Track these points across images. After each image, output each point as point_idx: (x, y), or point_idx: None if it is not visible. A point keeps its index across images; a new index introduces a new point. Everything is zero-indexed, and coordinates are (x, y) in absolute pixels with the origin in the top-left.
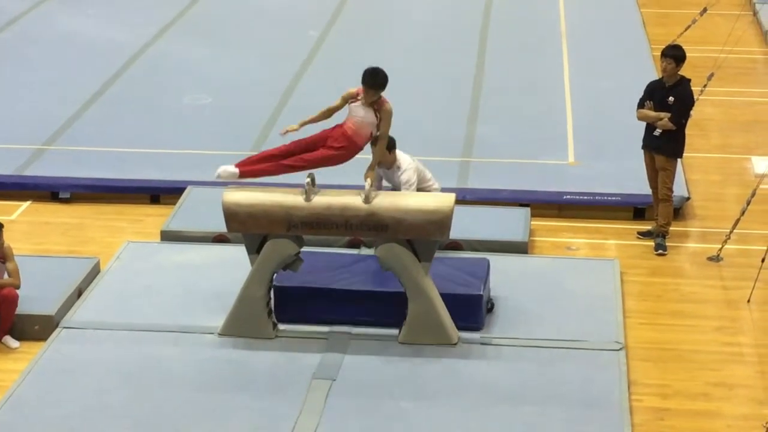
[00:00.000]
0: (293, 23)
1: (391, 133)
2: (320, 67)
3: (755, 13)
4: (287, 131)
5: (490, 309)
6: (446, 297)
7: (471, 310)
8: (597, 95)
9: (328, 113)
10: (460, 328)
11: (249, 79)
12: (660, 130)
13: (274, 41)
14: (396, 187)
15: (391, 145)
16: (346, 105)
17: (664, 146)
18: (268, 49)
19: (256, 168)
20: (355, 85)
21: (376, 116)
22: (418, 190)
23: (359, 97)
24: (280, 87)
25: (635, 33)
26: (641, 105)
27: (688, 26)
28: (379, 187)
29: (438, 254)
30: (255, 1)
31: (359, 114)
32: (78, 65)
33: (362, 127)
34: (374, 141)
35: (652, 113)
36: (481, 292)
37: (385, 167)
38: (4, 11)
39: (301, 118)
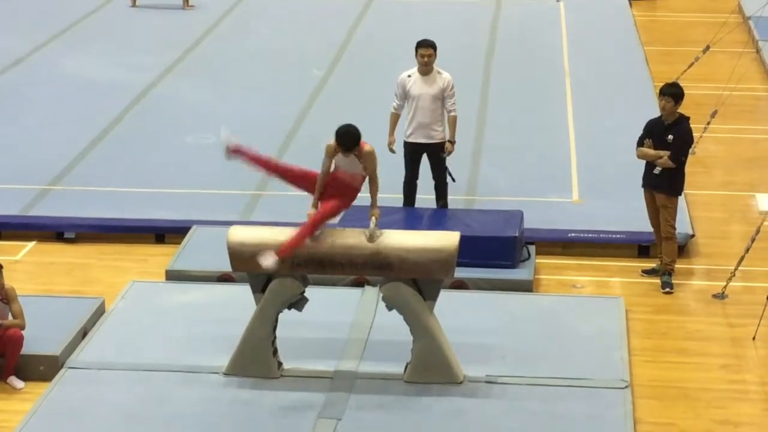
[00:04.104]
0: (298, 62)
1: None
2: (325, 106)
3: (758, 51)
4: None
5: (527, 257)
6: (485, 239)
7: (506, 250)
8: (601, 133)
9: (326, 173)
10: (496, 265)
11: (253, 118)
12: (660, 169)
13: (278, 81)
14: (433, 93)
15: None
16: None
17: (664, 184)
18: (272, 89)
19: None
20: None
21: (360, 161)
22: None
23: (338, 150)
24: (285, 126)
25: (638, 71)
26: (640, 143)
27: (691, 64)
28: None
29: (475, 206)
30: (259, 41)
31: (343, 165)
32: (82, 105)
33: (353, 177)
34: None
35: (652, 151)
36: (516, 234)
37: (422, 72)
38: (8, 52)
39: (310, 204)
